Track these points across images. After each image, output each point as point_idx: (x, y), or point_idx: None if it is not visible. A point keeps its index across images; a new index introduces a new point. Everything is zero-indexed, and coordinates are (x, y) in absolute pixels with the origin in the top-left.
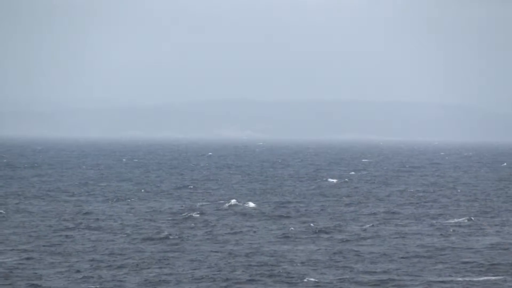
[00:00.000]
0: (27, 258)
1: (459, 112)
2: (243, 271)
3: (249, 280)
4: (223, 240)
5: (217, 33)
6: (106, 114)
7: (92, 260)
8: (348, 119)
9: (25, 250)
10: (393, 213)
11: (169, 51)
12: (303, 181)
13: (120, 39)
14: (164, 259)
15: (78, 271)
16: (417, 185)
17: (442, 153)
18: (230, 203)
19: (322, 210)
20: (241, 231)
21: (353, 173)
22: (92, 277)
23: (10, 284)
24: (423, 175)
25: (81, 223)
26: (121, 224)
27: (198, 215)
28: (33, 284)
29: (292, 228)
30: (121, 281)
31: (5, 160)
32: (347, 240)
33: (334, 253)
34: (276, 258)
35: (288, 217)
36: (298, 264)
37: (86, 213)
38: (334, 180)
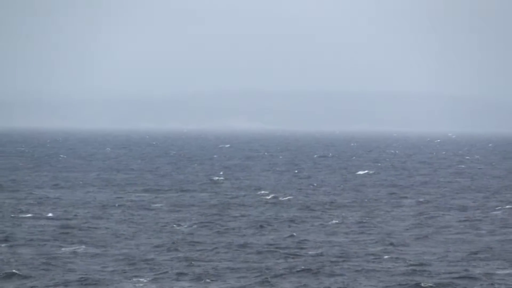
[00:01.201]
0: (74, 252)
1: (464, 103)
2: (288, 262)
3: (294, 272)
4: (265, 232)
5: (225, 25)
6: (114, 105)
7: (138, 254)
8: (357, 111)
9: (71, 243)
10: (435, 205)
11: (179, 42)
12: (333, 172)
13: (129, 30)
14: (210, 251)
15: (124, 264)
16: (449, 176)
17: (463, 144)
18: (266, 195)
19: (360, 201)
20: (282, 223)
21: (379, 164)
22: (141, 268)
23: (58, 274)
24: (451, 165)
25: (119, 215)
26: (160, 215)
27: (237, 207)
28: (82, 277)
29: (335, 221)
30: (175, 273)
31: (27, 151)
32: (392, 232)
33: (382, 245)
34: (320, 251)
35: (326, 208)
36: (345, 256)
37: (121, 205)
38: (364, 172)
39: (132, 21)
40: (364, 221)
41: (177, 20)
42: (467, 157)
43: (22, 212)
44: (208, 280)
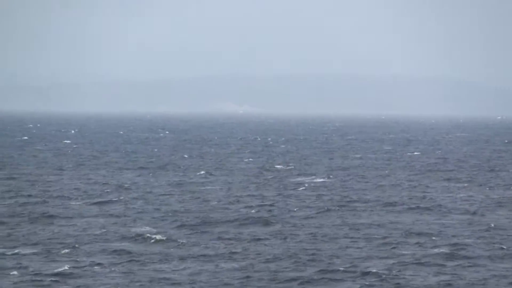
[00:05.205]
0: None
1: (457, 87)
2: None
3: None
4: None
5: (215, 8)
6: (102, 88)
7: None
8: (345, 94)
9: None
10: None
11: (167, 26)
12: (371, 157)
13: (118, 14)
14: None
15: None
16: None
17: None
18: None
19: (410, 186)
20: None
21: (417, 153)
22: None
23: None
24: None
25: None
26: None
27: (292, 191)
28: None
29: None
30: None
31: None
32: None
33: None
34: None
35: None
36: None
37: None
38: (416, 153)
39: (123, 5)
40: (433, 206)
41: (166, 4)
42: (485, 141)
43: None
44: None
